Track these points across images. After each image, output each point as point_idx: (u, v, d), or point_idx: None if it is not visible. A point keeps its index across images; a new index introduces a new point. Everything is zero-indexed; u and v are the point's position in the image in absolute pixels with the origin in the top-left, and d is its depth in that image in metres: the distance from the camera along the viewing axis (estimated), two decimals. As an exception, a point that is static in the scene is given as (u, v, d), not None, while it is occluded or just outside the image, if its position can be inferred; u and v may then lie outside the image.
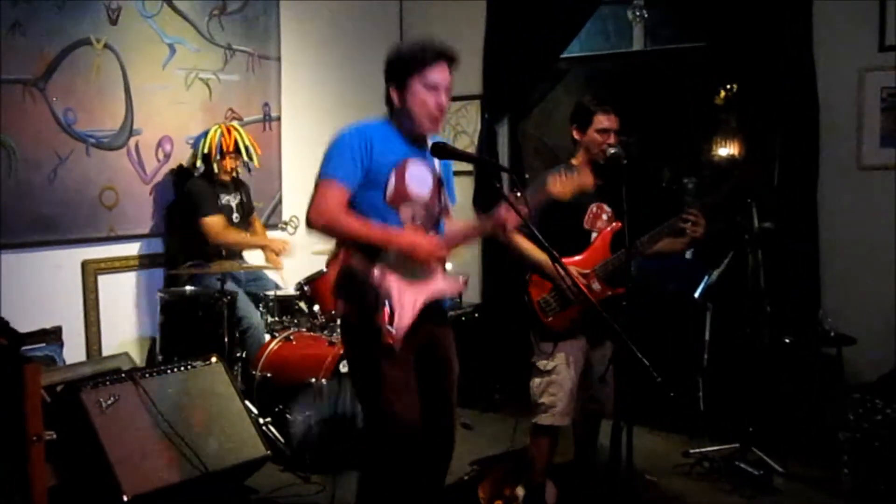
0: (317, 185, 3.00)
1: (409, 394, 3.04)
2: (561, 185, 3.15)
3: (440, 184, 3.17)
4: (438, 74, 3.02)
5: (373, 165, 2.98)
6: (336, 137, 3.04)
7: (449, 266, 3.31)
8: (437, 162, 3.17)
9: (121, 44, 4.94)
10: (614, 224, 3.82)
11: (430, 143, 3.14)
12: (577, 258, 3.77)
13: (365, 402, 3.18)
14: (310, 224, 2.99)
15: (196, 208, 5.04)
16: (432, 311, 3.09)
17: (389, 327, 2.89)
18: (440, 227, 3.20)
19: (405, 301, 2.96)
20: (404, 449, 3.02)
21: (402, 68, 3.04)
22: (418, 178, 3.08)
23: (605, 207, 3.86)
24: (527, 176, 6.48)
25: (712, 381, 5.06)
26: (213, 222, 5.01)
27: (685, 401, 5.01)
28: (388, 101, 3.12)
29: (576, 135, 3.88)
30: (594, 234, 3.84)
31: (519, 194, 3.17)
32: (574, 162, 3.91)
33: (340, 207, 2.95)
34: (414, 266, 2.99)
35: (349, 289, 3.05)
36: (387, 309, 2.90)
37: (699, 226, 3.66)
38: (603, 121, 3.79)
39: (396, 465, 3.04)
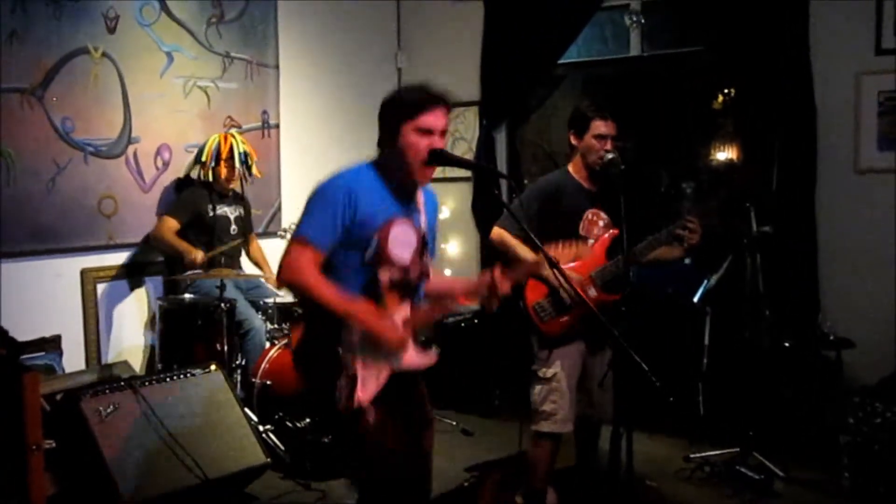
0: (291, 241, 2.87)
1: (395, 456, 2.90)
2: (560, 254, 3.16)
3: (423, 244, 3.01)
4: (433, 118, 2.85)
5: (355, 225, 2.81)
6: (318, 189, 2.86)
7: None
8: (422, 218, 3.01)
9: (119, 52, 4.95)
10: (611, 231, 3.82)
11: (420, 196, 3.01)
12: (573, 264, 3.74)
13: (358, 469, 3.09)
14: (279, 279, 2.89)
15: (168, 207, 5.11)
16: (401, 378, 2.92)
17: (349, 398, 2.77)
18: (419, 290, 3.03)
19: (368, 374, 2.81)
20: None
21: (395, 113, 2.88)
22: (402, 240, 2.91)
23: (602, 214, 3.86)
24: (526, 182, 6.49)
25: (712, 386, 5.06)
26: (166, 222, 5.02)
27: (685, 405, 5.01)
28: (380, 145, 2.96)
29: (573, 140, 3.87)
30: (590, 241, 3.83)
31: (502, 271, 2.95)
32: (570, 168, 3.92)
33: (311, 268, 2.79)
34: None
35: (311, 360, 2.97)
36: (344, 382, 2.78)
37: (696, 233, 3.66)
38: (600, 126, 3.78)
39: None
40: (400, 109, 2.87)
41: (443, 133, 2.89)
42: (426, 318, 3.05)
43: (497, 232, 3.88)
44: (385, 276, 2.88)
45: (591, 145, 3.79)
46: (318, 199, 2.84)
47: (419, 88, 2.93)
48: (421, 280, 3.02)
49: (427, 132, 2.84)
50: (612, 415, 3.67)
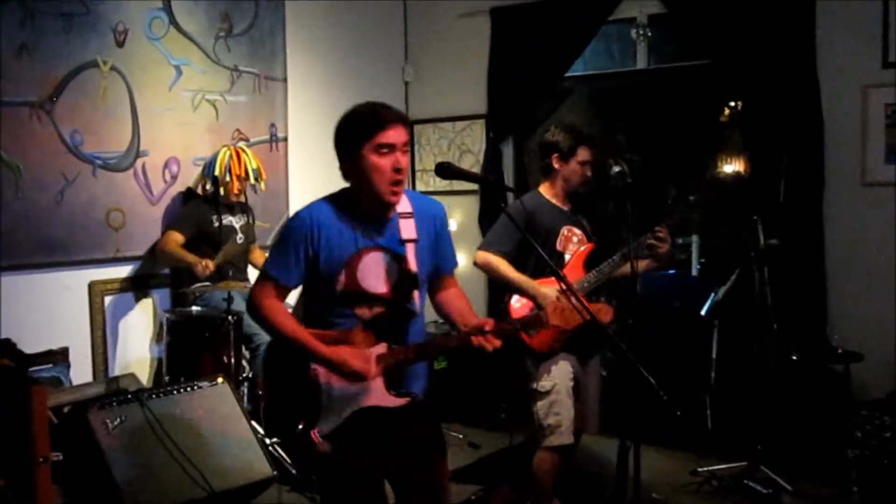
0: (259, 275, 2.91)
1: (352, 485, 2.87)
2: (563, 316, 3.09)
3: (409, 276, 2.84)
4: (393, 133, 2.72)
5: (320, 258, 2.76)
6: (286, 225, 2.86)
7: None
8: (410, 247, 2.83)
9: (127, 66, 4.98)
10: (587, 245, 3.95)
11: (404, 220, 2.85)
12: (550, 280, 3.78)
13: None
14: (250, 313, 2.94)
15: (172, 221, 5.12)
16: (374, 414, 2.82)
17: (306, 435, 2.76)
18: (410, 324, 2.89)
19: (330, 411, 2.78)
20: None
21: (351, 137, 2.76)
22: (374, 271, 2.81)
23: (576, 230, 3.97)
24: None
25: (720, 399, 5.05)
26: (171, 235, 5.01)
27: (693, 419, 4.99)
28: (345, 176, 2.84)
29: (556, 164, 3.96)
30: (567, 256, 3.94)
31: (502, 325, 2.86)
32: (541, 189, 4.02)
33: (272, 304, 2.80)
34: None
35: (275, 385, 2.97)
36: (311, 413, 2.77)
37: (665, 242, 3.73)
38: (585, 153, 3.92)
39: None
40: (355, 130, 2.76)
41: (404, 148, 2.76)
42: (404, 358, 2.85)
43: (482, 256, 3.95)
44: (364, 311, 2.82)
45: (574, 170, 3.93)
46: (285, 235, 2.83)
47: (370, 106, 2.83)
48: (406, 319, 2.88)
49: (389, 149, 2.72)
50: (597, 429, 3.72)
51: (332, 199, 2.85)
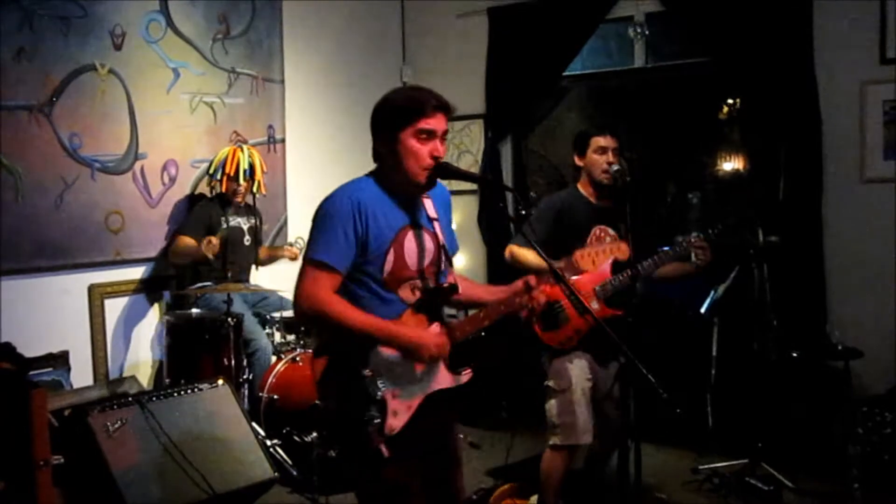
0: (304, 267, 2.67)
1: (414, 499, 2.73)
2: (591, 258, 3.15)
3: (440, 249, 2.83)
4: (434, 121, 2.67)
5: (369, 239, 2.65)
6: (324, 208, 2.69)
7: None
8: (437, 225, 2.83)
9: (125, 69, 4.98)
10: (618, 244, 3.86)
11: (426, 199, 2.83)
12: (577, 278, 3.77)
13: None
14: (298, 311, 2.71)
15: (181, 225, 5.11)
16: (435, 402, 2.77)
17: (378, 434, 2.61)
18: (444, 309, 2.88)
19: (398, 405, 2.66)
20: None
21: (393, 120, 2.69)
22: (418, 248, 2.75)
23: (609, 230, 3.92)
24: (532, 194, 6.50)
25: (720, 397, 5.04)
26: (182, 240, 5.01)
27: (693, 417, 4.99)
28: (376, 156, 2.79)
29: (577, 161, 3.98)
30: None
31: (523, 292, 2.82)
32: (578, 185, 4.00)
33: (330, 293, 2.63)
34: (411, 365, 2.70)
35: (336, 389, 2.73)
36: (375, 411, 2.61)
37: (706, 252, 3.71)
38: (600, 141, 3.89)
39: None
40: (397, 114, 2.69)
41: (443, 137, 2.73)
42: (461, 334, 2.81)
43: (510, 250, 3.94)
44: (407, 292, 2.74)
45: (593, 160, 3.90)
46: (326, 218, 2.66)
47: (416, 91, 2.81)
48: (448, 296, 2.85)
49: (428, 135, 2.67)
50: (616, 436, 3.65)
51: (364, 182, 2.77)
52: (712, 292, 4.92)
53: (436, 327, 2.76)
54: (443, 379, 2.78)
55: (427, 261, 2.78)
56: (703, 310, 4.90)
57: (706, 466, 4.72)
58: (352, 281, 2.71)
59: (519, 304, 2.80)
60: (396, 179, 2.73)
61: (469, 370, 2.85)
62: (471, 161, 6.50)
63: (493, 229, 6.26)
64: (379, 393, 2.63)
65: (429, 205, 2.84)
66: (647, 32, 5.89)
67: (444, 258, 2.84)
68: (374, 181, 2.77)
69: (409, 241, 2.74)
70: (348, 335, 2.64)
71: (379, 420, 2.62)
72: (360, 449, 2.67)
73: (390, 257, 2.69)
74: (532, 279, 2.80)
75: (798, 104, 5.10)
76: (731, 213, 3.85)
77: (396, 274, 2.72)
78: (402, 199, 2.76)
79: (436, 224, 2.83)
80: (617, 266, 3.78)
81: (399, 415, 2.66)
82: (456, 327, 2.79)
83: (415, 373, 2.71)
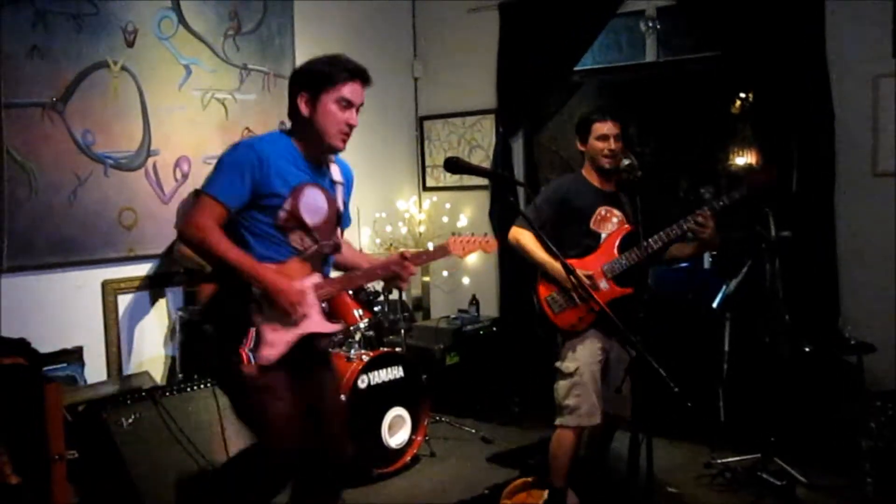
0: (197, 198, 2.95)
1: (290, 422, 2.94)
2: (462, 246, 3.29)
3: (337, 215, 3.10)
4: (352, 91, 2.95)
5: (264, 187, 2.87)
6: (229, 150, 2.94)
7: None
8: (339, 190, 3.10)
9: (137, 65, 5.00)
10: (624, 226, 3.92)
11: (333, 165, 3.11)
12: (583, 259, 3.86)
13: (250, 427, 3.11)
14: (182, 236, 2.96)
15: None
16: (308, 350, 3.01)
17: (251, 357, 2.85)
18: (329, 260, 3.16)
19: (275, 337, 2.89)
20: (288, 464, 2.99)
21: (314, 81, 2.95)
22: (314, 206, 2.98)
23: (615, 211, 3.96)
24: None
25: (732, 391, 5.03)
26: None
27: (706, 411, 4.98)
28: (292, 113, 3.01)
29: (580, 147, 4.07)
30: (603, 236, 3.94)
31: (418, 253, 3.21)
32: (583, 171, 4.07)
33: (214, 225, 2.84)
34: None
35: (218, 314, 2.96)
36: (250, 339, 2.85)
37: (707, 227, 3.71)
38: (601, 128, 3.95)
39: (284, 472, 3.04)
40: (319, 78, 2.94)
41: (358, 109, 2.99)
42: (336, 288, 3.14)
43: (514, 232, 4.00)
44: (296, 240, 2.97)
45: (595, 147, 3.96)
46: (227, 160, 2.89)
47: (340, 59, 3.00)
48: (332, 252, 3.12)
49: (347, 104, 2.94)
50: (630, 416, 3.67)
51: (276, 135, 3.03)
52: (724, 287, 4.91)
53: (315, 277, 3.01)
54: (316, 324, 3.00)
55: (320, 218, 3.01)
56: (715, 304, 4.89)
57: (718, 461, 4.71)
58: (245, 221, 2.92)
59: (394, 271, 3.08)
60: (311, 139, 2.99)
61: (340, 322, 3.27)
62: (482, 156, 6.49)
63: (505, 225, 6.25)
64: (258, 323, 2.86)
65: (335, 171, 3.12)
66: (658, 27, 5.87)
67: (337, 220, 3.10)
68: (288, 136, 3.02)
69: (307, 196, 2.96)
70: (224, 265, 2.86)
71: (253, 348, 2.85)
72: (233, 374, 2.87)
73: (287, 205, 2.91)
74: (407, 252, 3.12)
75: (810, 98, 5.07)
76: (742, 206, 3.81)
77: (291, 222, 2.94)
78: (311, 157, 3.02)
79: (338, 188, 3.10)
80: (623, 246, 3.85)
81: (275, 346, 2.88)
82: (330, 282, 3.09)
83: (282, 307, 2.90)
